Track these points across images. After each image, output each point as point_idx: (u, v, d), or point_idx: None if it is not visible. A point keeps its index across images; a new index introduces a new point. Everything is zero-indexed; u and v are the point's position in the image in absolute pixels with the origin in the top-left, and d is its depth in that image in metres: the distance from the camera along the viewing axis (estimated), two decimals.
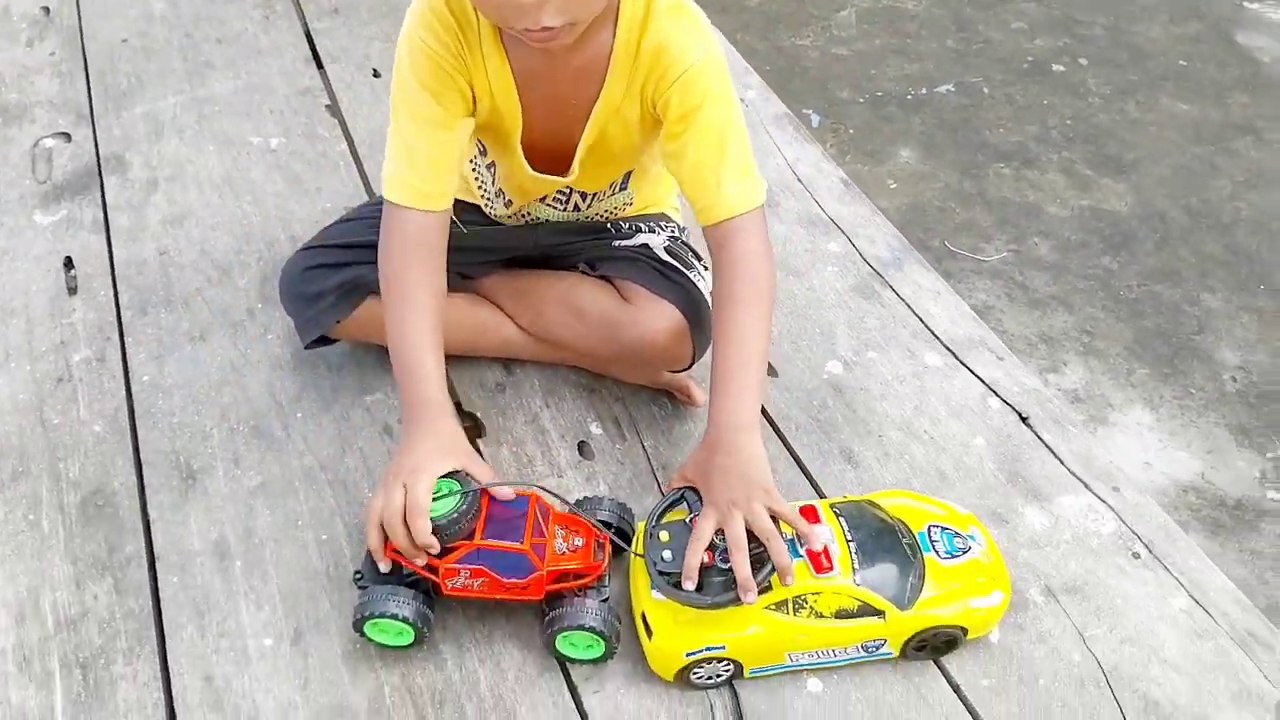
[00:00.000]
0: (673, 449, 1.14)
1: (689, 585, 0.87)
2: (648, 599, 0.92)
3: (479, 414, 1.14)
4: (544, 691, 0.92)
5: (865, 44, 2.89)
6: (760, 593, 0.87)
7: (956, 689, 0.95)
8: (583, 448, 1.12)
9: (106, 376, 1.13)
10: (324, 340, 1.11)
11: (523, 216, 1.14)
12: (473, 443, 1.10)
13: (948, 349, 1.26)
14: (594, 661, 0.93)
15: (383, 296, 0.99)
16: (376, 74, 1.54)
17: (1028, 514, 1.09)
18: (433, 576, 0.88)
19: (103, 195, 1.35)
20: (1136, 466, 1.89)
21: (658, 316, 1.05)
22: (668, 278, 1.09)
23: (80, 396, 1.11)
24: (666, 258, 1.11)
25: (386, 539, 0.87)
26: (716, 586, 0.87)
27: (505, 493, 0.91)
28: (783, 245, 1.37)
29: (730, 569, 0.86)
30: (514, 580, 0.88)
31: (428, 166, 0.97)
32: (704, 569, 0.88)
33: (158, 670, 0.90)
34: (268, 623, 0.94)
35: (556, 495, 0.95)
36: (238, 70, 1.56)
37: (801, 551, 0.91)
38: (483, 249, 1.15)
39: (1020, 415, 1.19)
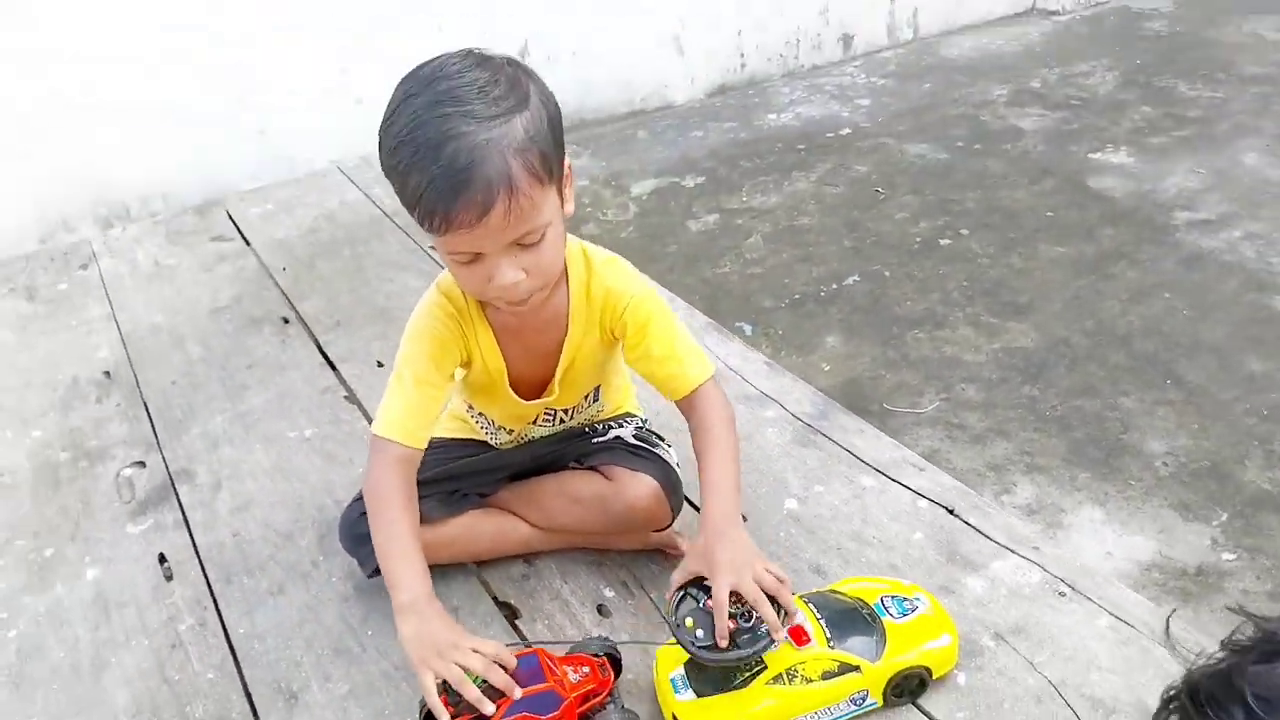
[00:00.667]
0: None
1: (723, 643, 1.13)
2: (674, 702, 1.18)
3: (512, 601, 1.42)
4: None
5: (775, 260, 3.39)
6: (755, 674, 1.14)
7: None
8: (601, 609, 1.40)
9: (209, 635, 1.42)
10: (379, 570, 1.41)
11: (521, 439, 1.49)
12: (511, 623, 1.38)
13: (878, 471, 1.57)
14: None
15: (368, 509, 1.28)
16: (380, 364, 1.93)
17: (969, 581, 1.37)
18: None
19: (179, 501, 1.68)
20: (1098, 558, 2.13)
21: (637, 485, 1.37)
22: (640, 455, 1.42)
23: (192, 655, 1.39)
24: (636, 441, 1.45)
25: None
26: (746, 640, 1.13)
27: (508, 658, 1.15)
28: None
29: (751, 624, 1.13)
30: (551, 715, 1.13)
31: (417, 413, 1.30)
32: (732, 633, 1.13)
33: None
34: None
35: (555, 642, 1.22)
36: (268, 385, 1.95)
37: (783, 635, 1.18)
38: (492, 470, 1.48)
39: (947, 509, 1.49)
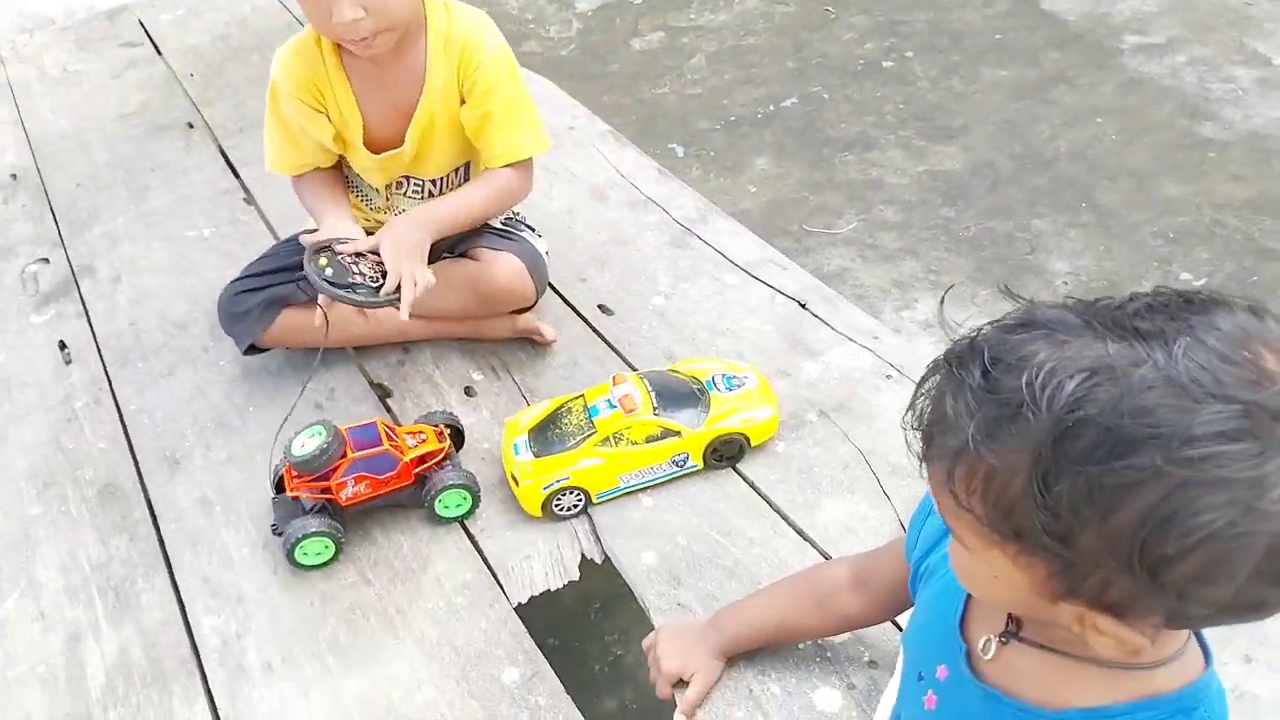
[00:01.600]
0: (537, 379, 1.56)
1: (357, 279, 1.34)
2: (512, 461, 1.33)
3: (385, 383, 1.57)
4: (450, 543, 1.32)
5: (716, 80, 3.41)
6: (586, 438, 1.29)
7: (751, 484, 1.36)
8: (468, 390, 1.55)
9: (103, 412, 1.56)
10: (254, 349, 1.54)
11: (394, 210, 1.58)
12: (383, 401, 1.52)
13: (743, 270, 1.69)
14: (469, 514, 1.33)
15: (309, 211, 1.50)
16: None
17: (806, 366, 1.51)
18: (329, 496, 1.27)
19: (80, 294, 1.80)
20: None
21: (501, 263, 1.49)
22: (506, 237, 1.54)
23: (85, 428, 1.54)
24: (503, 227, 1.56)
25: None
26: (365, 292, 1.34)
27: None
28: (614, 225, 1.83)
29: (377, 285, 1.34)
30: (389, 474, 1.28)
31: (291, 145, 1.50)
32: (357, 285, 1.33)
33: (168, 582, 1.30)
34: (243, 540, 1.34)
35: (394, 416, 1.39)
36: (170, 187, 2.04)
37: (615, 402, 1.33)
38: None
39: (800, 304, 1.62)
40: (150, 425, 1.53)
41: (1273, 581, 0.57)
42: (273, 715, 1.14)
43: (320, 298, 1.39)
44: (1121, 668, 0.67)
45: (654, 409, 1.33)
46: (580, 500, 1.33)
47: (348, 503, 1.29)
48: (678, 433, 1.33)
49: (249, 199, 2.00)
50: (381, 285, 1.34)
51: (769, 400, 1.39)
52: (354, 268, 1.34)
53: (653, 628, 1.17)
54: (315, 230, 1.44)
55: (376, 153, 1.48)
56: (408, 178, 1.55)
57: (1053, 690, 0.72)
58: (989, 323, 0.64)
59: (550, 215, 1.81)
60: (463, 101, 1.45)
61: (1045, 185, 2.78)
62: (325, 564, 1.29)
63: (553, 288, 1.65)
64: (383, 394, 1.55)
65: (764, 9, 3.81)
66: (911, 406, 0.65)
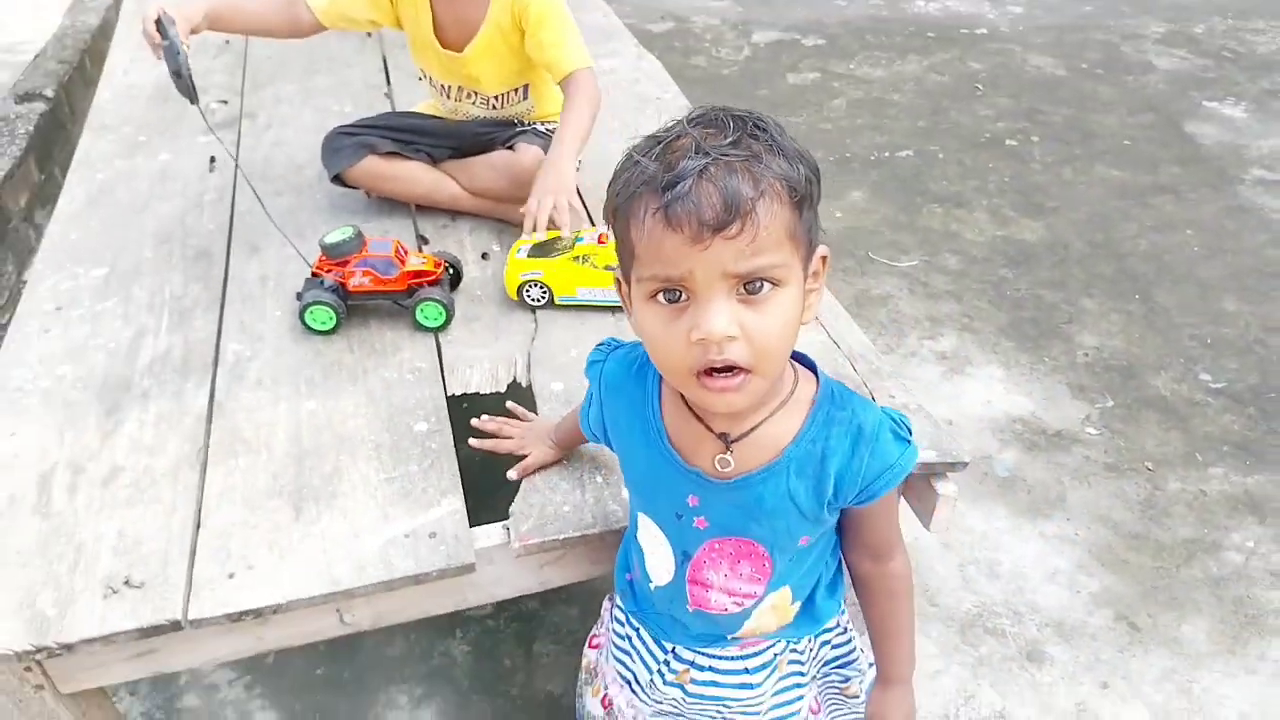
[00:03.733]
0: None
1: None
2: (512, 259, 1.73)
3: (428, 235, 1.97)
4: (420, 343, 1.69)
5: (848, 122, 3.72)
6: (565, 251, 1.68)
7: None
8: (485, 255, 1.93)
9: (221, 208, 2.04)
10: (340, 181, 1.98)
11: (465, 115, 2.00)
12: (419, 247, 1.92)
13: None
14: (442, 327, 1.70)
15: None
16: (420, 78, 2.51)
17: None
18: (341, 280, 1.67)
19: (239, 130, 2.32)
20: (977, 404, 2.49)
21: (529, 152, 1.90)
22: (538, 135, 1.96)
23: (205, 215, 2.02)
24: (544, 130, 1.98)
25: None
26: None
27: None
28: None
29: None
30: (389, 277, 1.67)
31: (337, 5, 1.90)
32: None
33: (217, 317, 1.74)
34: (278, 305, 1.76)
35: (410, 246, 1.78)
36: (334, 73, 2.55)
37: (596, 237, 1.69)
38: (440, 135, 2.01)
39: None
40: (249, 223, 1.99)
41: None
42: (249, 410, 1.54)
43: None
44: (787, 402, 1.00)
45: None
46: (545, 294, 1.71)
47: (354, 289, 1.68)
48: None
49: (388, 95, 2.48)
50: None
51: None
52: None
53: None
54: None
55: (443, 48, 1.91)
56: (475, 92, 1.97)
57: (771, 447, 1.01)
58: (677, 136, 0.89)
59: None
60: (523, 35, 1.85)
61: (1109, 273, 2.93)
62: (327, 331, 1.69)
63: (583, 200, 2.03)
64: (421, 241, 1.95)
65: (919, 74, 4.09)
66: (682, 211, 0.84)
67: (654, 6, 4.62)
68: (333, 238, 1.67)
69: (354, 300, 1.70)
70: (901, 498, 1.50)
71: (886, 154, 3.52)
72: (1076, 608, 1.94)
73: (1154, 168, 3.45)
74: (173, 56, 1.70)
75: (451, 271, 1.78)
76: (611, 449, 1.20)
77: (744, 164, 0.84)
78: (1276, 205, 3.24)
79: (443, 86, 2.01)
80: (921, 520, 1.46)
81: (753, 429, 1.01)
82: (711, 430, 1.02)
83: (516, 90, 1.98)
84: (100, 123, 2.42)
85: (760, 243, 0.83)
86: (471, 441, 1.46)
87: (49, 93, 3.37)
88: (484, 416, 1.49)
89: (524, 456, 1.41)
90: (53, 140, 3.30)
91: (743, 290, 0.86)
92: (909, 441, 1.03)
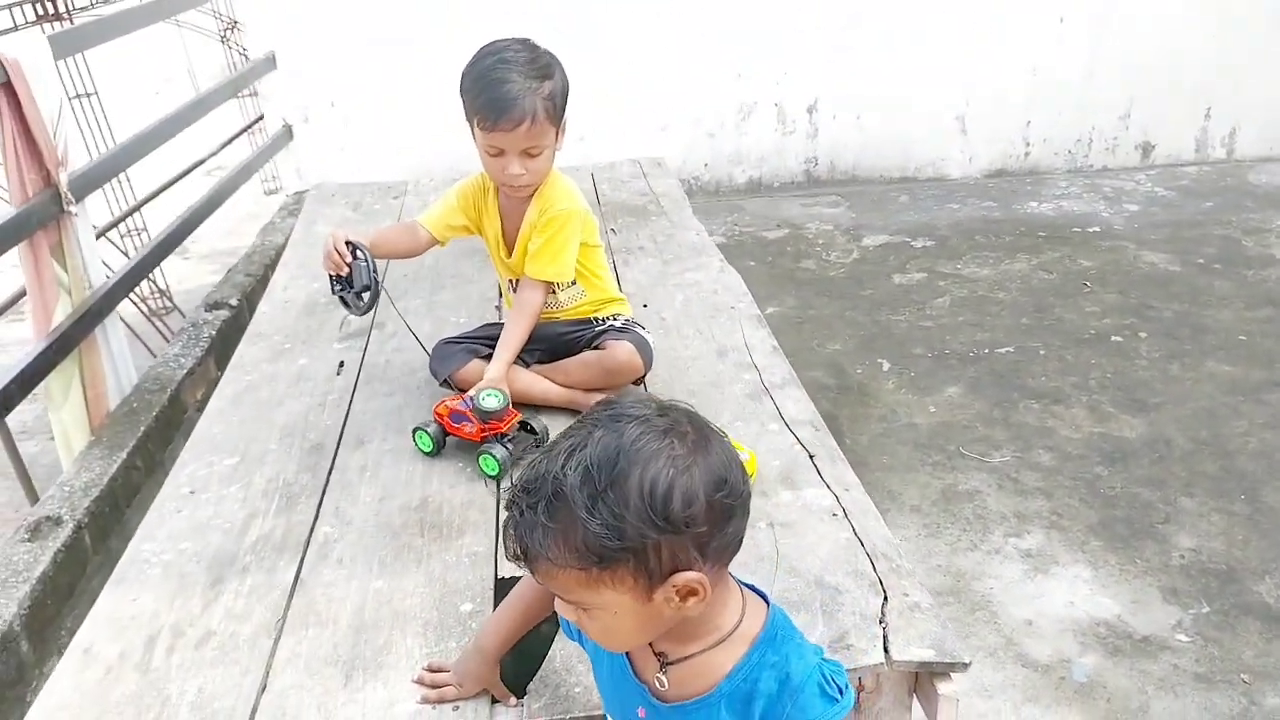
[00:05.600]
0: None
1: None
2: None
3: (531, 424, 2.19)
4: (481, 527, 1.88)
5: (950, 320, 3.81)
6: None
7: None
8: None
9: (340, 408, 2.36)
10: (448, 384, 2.25)
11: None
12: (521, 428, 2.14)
13: (785, 421, 2.14)
14: (495, 476, 1.96)
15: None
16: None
17: (784, 494, 1.91)
18: (443, 420, 2.00)
19: (367, 339, 2.68)
20: (1059, 604, 2.44)
21: (620, 349, 2.16)
22: (622, 331, 2.22)
23: (325, 413, 2.33)
24: (621, 325, 2.25)
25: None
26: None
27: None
28: (713, 371, 2.36)
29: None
30: (469, 430, 1.97)
31: (437, 218, 2.24)
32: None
33: (316, 504, 1.99)
34: (371, 495, 2.01)
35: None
36: (455, 290, 2.92)
37: None
38: (534, 341, 2.26)
39: (809, 454, 2.03)
40: (361, 420, 2.28)
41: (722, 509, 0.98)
42: (325, 585, 1.75)
43: None
44: (727, 638, 1.06)
45: None
46: None
47: (451, 431, 2.04)
48: None
49: (498, 306, 2.80)
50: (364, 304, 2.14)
51: (750, 463, 1.83)
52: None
53: None
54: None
55: (508, 254, 2.23)
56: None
57: (708, 678, 1.08)
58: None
59: (676, 361, 2.39)
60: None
61: (1213, 471, 2.85)
62: (427, 454, 2.07)
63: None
64: (522, 426, 2.18)
65: (1026, 273, 4.17)
66: (506, 547, 1.00)
67: (771, 215, 4.93)
68: (484, 402, 1.99)
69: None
70: (913, 696, 1.55)
71: (986, 350, 3.58)
72: None
73: (1270, 363, 3.36)
74: (367, 273, 2.13)
75: (529, 427, 2.04)
76: (585, 649, 1.32)
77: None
78: None
79: (510, 282, 2.30)
80: None
81: (689, 656, 1.08)
82: (652, 648, 1.11)
83: (561, 284, 2.26)
84: (257, 331, 2.83)
85: None
86: (420, 699, 1.49)
87: (234, 301, 3.92)
88: (420, 672, 1.52)
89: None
90: (231, 343, 3.81)
91: None
92: (836, 700, 1.05)
